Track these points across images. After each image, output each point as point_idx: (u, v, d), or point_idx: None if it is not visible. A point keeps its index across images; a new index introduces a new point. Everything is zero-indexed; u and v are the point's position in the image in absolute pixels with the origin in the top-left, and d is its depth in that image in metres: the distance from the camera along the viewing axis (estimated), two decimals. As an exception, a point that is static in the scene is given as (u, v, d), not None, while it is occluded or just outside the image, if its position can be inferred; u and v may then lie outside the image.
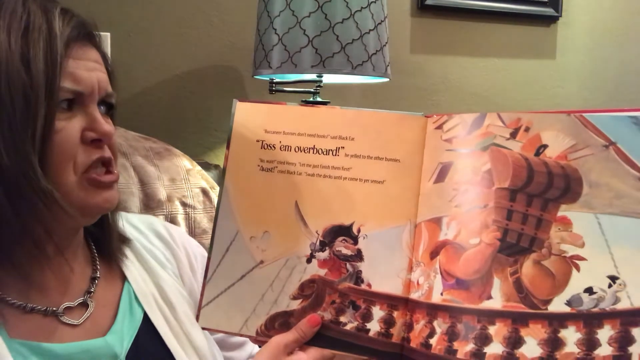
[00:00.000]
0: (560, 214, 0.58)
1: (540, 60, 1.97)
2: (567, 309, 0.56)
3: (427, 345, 0.61)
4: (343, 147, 0.69)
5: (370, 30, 1.30)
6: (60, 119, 0.62)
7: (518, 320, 0.57)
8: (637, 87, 2.10)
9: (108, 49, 1.35)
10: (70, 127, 0.62)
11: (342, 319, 0.67)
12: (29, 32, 0.60)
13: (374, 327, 0.66)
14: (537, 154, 0.61)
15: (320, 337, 0.67)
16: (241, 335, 0.70)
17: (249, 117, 0.72)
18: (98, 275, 0.72)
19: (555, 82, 2.00)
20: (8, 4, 0.61)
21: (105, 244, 0.74)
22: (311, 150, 0.70)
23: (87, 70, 0.64)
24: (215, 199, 1.14)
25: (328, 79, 1.42)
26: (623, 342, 0.53)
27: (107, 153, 0.66)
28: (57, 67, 0.61)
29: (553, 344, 0.55)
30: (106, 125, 0.65)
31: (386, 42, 1.35)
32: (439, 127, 0.67)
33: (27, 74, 0.59)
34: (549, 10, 1.93)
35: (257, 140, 0.72)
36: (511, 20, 1.90)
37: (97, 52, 0.67)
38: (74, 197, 0.63)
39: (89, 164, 0.64)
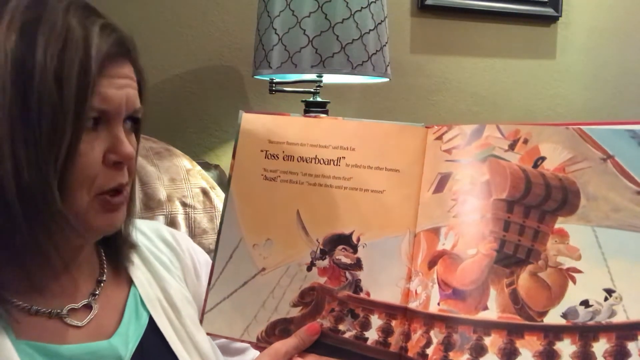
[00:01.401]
0: (557, 226, 0.58)
1: (540, 60, 1.97)
2: (563, 322, 0.56)
3: (424, 355, 0.62)
4: (344, 157, 0.70)
5: (370, 30, 1.29)
6: (84, 139, 0.61)
7: (513, 331, 0.57)
8: (637, 87, 2.10)
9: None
10: (93, 150, 0.62)
11: (341, 327, 0.67)
12: (66, 50, 0.59)
13: (372, 335, 0.66)
14: (535, 165, 0.61)
15: (319, 344, 0.67)
16: (242, 341, 0.71)
17: (254, 127, 0.73)
18: (104, 279, 0.72)
19: (555, 82, 2.00)
20: (49, 17, 0.60)
21: (115, 249, 0.75)
22: (313, 160, 0.71)
23: (117, 88, 0.63)
24: (215, 199, 1.15)
25: (328, 79, 1.42)
26: (618, 356, 0.53)
27: (125, 178, 0.66)
28: (89, 89, 0.60)
29: (548, 356, 0.55)
30: (129, 147, 0.64)
31: (386, 42, 1.35)
32: (439, 137, 0.67)
33: (58, 94, 0.58)
34: (549, 10, 1.93)
35: (262, 150, 0.72)
36: (511, 20, 1.90)
37: (130, 67, 0.66)
38: (82, 218, 0.63)
39: (104, 189, 0.64)
